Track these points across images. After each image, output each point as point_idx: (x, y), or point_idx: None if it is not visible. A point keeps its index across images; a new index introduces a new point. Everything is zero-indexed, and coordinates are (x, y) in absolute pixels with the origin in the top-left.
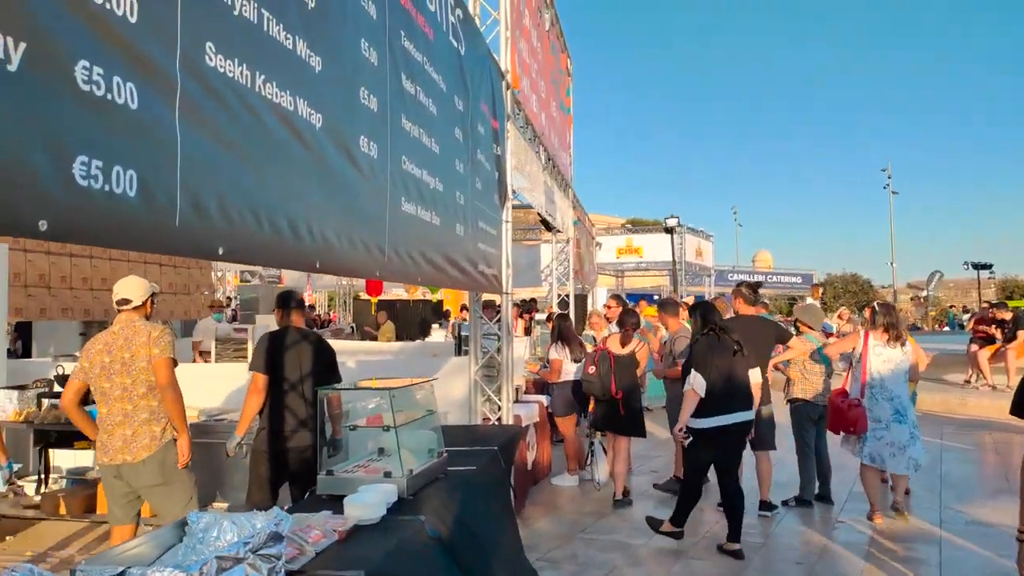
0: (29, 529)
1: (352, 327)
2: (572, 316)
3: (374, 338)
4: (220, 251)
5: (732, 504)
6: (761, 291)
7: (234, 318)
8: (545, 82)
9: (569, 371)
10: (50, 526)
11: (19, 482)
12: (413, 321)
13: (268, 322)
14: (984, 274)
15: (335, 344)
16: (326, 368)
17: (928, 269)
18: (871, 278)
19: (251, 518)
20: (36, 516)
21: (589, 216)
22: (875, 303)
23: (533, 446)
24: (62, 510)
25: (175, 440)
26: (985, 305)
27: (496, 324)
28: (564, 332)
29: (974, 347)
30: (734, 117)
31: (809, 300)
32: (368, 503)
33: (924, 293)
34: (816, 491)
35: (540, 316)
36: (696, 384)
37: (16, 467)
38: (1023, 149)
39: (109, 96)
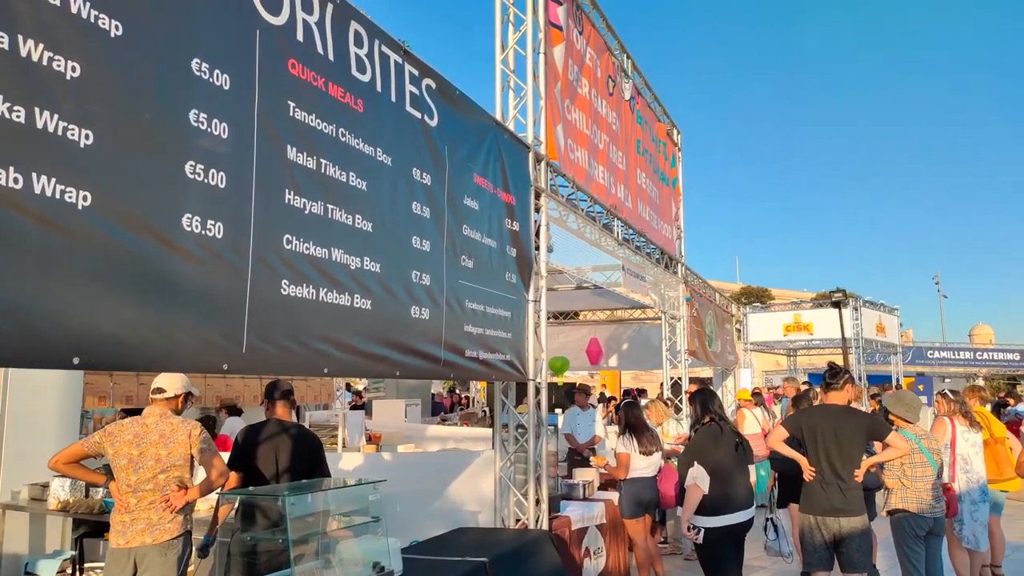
0: None
1: (484, 411)
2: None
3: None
4: None
5: None
6: (978, 370)
7: None
8: (625, 153)
9: (638, 467)
10: None
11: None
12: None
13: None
14: None
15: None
16: (307, 462)
17: None
18: None
19: None
20: None
21: (772, 291)
22: (944, 390)
23: (600, 552)
24: None
25: (190, 534)
26: None
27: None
28: (633, 422)
29: None
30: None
31: (947, 388)
32: None
33: None
34: None
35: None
36: (699, 478)
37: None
38: None
39: None
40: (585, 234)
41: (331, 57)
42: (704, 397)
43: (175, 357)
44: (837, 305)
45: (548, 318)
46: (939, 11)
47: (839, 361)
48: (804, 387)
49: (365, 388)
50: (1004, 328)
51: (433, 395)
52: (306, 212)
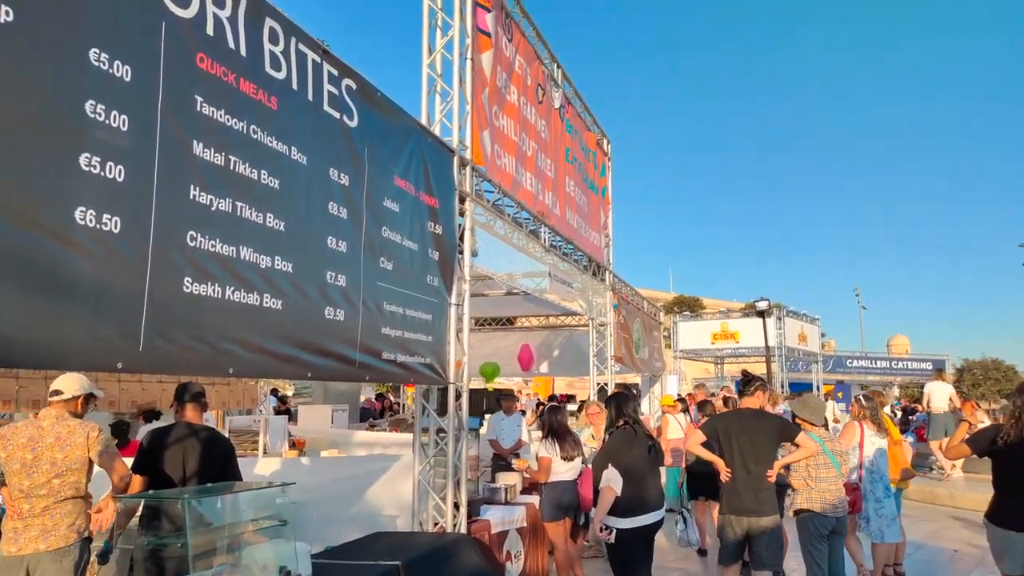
0: None
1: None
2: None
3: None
4: None
5: None
6: (894, 378)
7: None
8: (554, 161)
9: (559, 470)
10: None
11: None
12: (474, 409)
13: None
14: None
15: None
16: (216, 466)
17: None
18: (1015, 363)
19: None
20: None
21: (704, 301)
22: (859, 395)
23: (519, 555)
24: None
25: (89, 540)
26: None
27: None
28: (555, 427)
29: None
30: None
31: (862, 393)
32: None
33: None
34: None
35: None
36: (613, 480)
37: None
38: None
39: None
40: (512, 240)
41: (243, 53)
42: (619, 400)
43: (68, 355)
44: (762, 315)
45: (480, 324)
46: (866, 18)
47: (762, 369)
48: (724, 392)
49: (293, 394)
50: (920, 339)
51: (363, 401)
52: (213, 209)
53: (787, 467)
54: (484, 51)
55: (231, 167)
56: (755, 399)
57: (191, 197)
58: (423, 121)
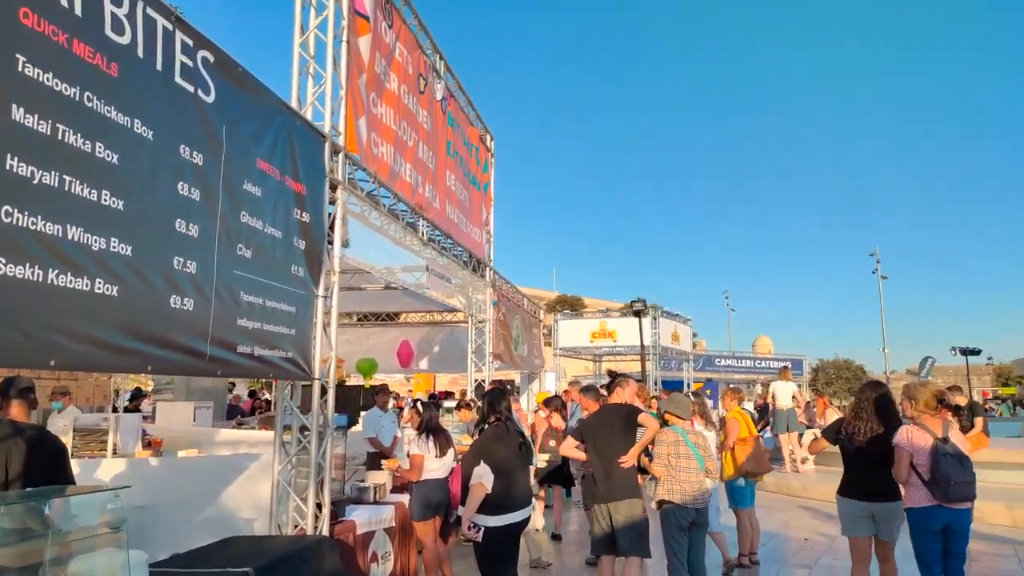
0: None
1: None
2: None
3: None
4: None
5: None
6: (757, 377)
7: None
8: (435, 153)
9: (431, 468)
10: None
11: None
12: (351, 407)
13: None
14: (980, 360)
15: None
16: (44, 468)
17: (924, 354)
18: (863, 364)
19: None
20: None
21: (586, 300)
22: (688, 392)
23: (387, 556)
24: None
25: None
26: (939, 392)
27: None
28: (430, 424)
29: None
30: (728, 197)
31: (780, 382)
32: None
33: (918, 379)
34: None
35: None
36: (484, 476)
37: None
38: (1010, 232)
39: None
40: (388, 232)
41: (79, 12)
42: (492, 397)
43: None
44: (638, 314)
45: (361, 319)
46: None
47: (637, 367)
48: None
49: (153, 390)
50: (782, 339)
51: (230, 398)
52: (35, 182)
53: (649, 456)
54: (362, 35)
55: (59, 137)
56: (616, 396)
57: (7, 167)
58: (293, 103)
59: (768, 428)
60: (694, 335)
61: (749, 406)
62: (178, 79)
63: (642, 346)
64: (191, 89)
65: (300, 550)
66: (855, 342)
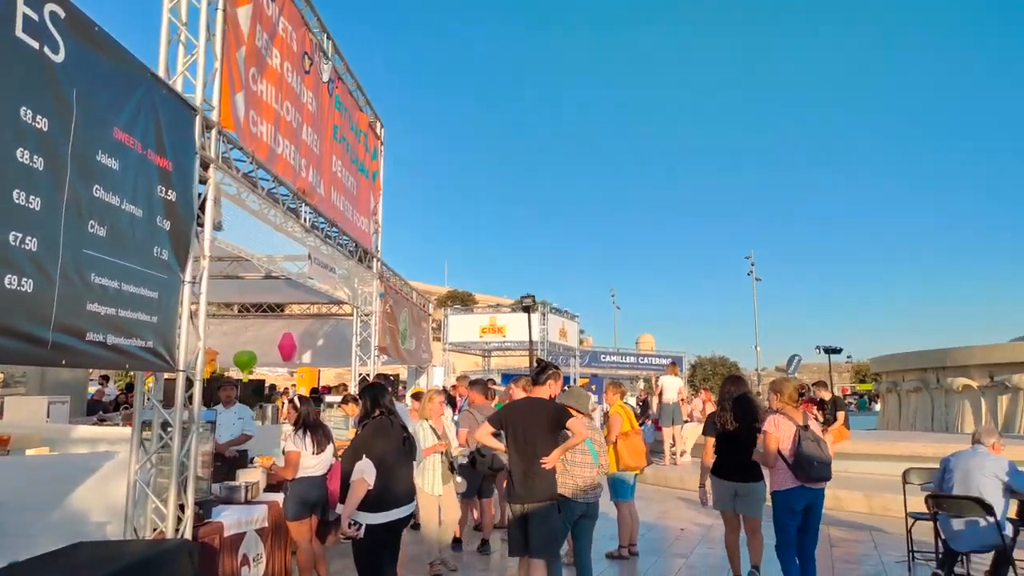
0: None
1: None
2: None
3: None
4: None
5: None
6: (639, 373)
7: None
8: (320, 137)
9: (308, 465)
10: None
11: None
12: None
13: None
14: (841, 358)
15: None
16: None
17: (792, 352)
18: (738, 361)
19: None
20: None
21: (477, 296)
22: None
23: (259, 558)
24: None
25: None
26: (804, 387)
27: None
28: (307, 420)
29: None
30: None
31: (667, 377)
32: None
33: (784, 375)
34: None
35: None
36: (366, 472)
37: None
38: (868, 236)
39: None
40: (268, 217)
41: None
42: (375, 391)
43: None
44: (527, 310)
45: (240, 310)
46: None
47: (526, 362)
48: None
49: (3, 383)
50: (665, 337)
51: (93, 392)
52: None
53: None
54: (241, 5)
55: None
56: (545, 388)
57: None
58: (161, 72)
59: (649, 421)
60: (581, 332)
61: (632, 401)
62: (19, 33)
63: (531, 341)
64: (35, 46)
65: (156, 555)
66: (731, 340)
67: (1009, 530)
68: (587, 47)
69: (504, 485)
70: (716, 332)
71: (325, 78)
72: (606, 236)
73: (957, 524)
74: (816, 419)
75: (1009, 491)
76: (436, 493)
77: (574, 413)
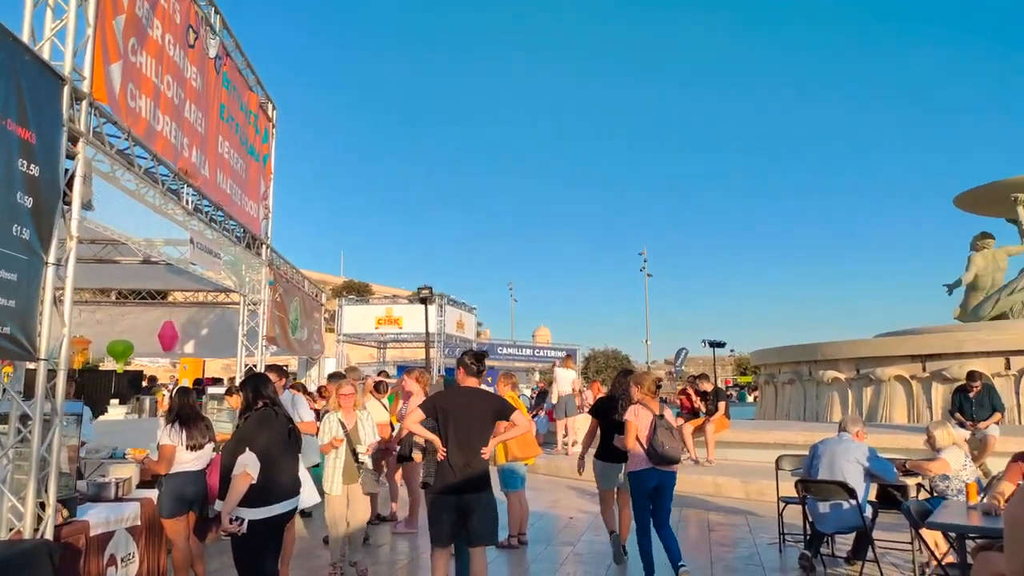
0: None
1: None
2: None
3: None
4: None
5: None
6: (535, 365)
7: None
8: (206, 116)
9: (184, 460)
10: None
11: None
12: (100, 394)
13: None
14: (724, 351)
15: None
16: None
17: (680, 346)
18: (630, 354)
19: None
20: None
21: (374, 286)
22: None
23: (131, 558)
24: None
25: None
26: (689, 378)
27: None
28: (182, 412)
29: (679, 420)
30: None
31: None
32: None
33: (673, 369)
34: None
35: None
36: (250, 465)
37: None
38: (748, 234)
39: None
40: (147, 198)
41: None
42: (257, 382)
43: None
44: (424, 302)
45: (119, 296)
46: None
47: (422, 354)
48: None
49: None
50: (560, 330)
51: None
52: None
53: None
54: None
55: None
56: (479, 379)
57: None
58: (25, 37)
59: (543, 413)
60: (479, 324)
61: (528, 392)
62: None
63: (427, 333)
64: None
65: (11, 557)
66: (624, 334)
67: (869, 512)
68: (488, 34)
69: (397, 477)
70: (610, 326)
71: (212, 54)
72: (506, 230)
73: (823, 507)
74: (701, 409)
75: (870, 475)
76: (334, 493)
77: None
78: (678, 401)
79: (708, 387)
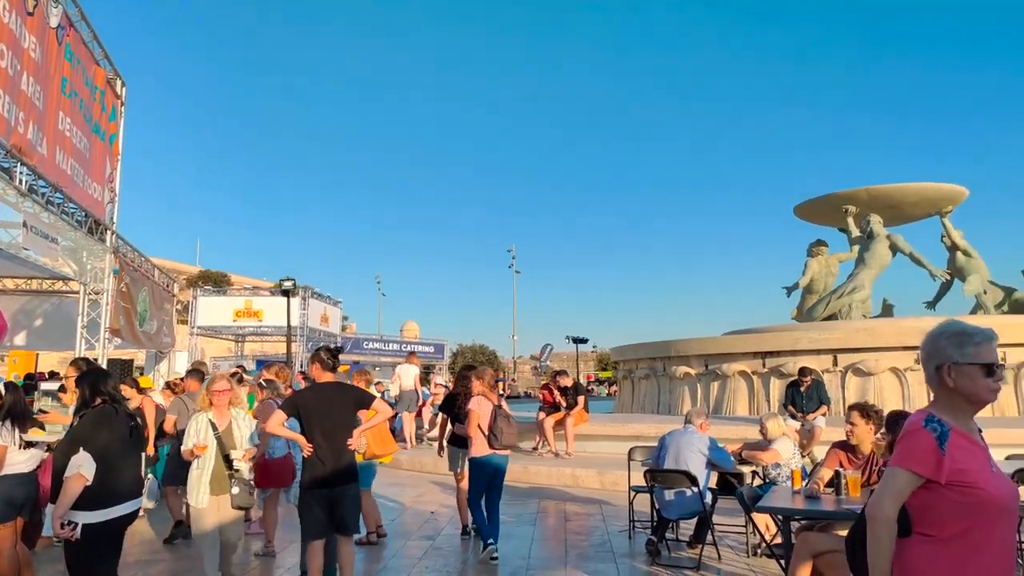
0: None
1: None
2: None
3: None
4: None
5: None
6: (402, 360)
7: None
8: (45, 90)
9: (15, 461)
10: None
11: None
12: None
13: None
14: (588, 348)
15: None
16: None
17: (545, 342)
18: (496, 349)
19: None
20: None
21: (233, 277)
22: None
23: None
24: None
25: None
26: (551, 373)
27: None
28: (14, 409)
29: (541, 414)
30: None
31: (405, 365)
32: None
33: (539, 364)
34: None
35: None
36: (84, 466)
37: None
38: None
39: None
40: None
41: None
42: (95, 377)
43: None
44: (286, 293)
45: None
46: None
47: (283, 348)
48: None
49: None
50: (429, 325)
51: None
52: None
53: None
54: None
55: None
56: (336, 374)
57: None
58: None
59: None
60: (345, 318)
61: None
62: None
63: (288, 327)
64: None
65: None
66: (492, 329)
67: (709, 498)
68: (359, 19)
69: None
70: (478, 322)
71: (53, 23)
72: (375, 224)
73: (668, 495)
74: (561, 404)
75: (710, 464)
76: (200, 505)
77: None
78: (540, 396)
79: (568, 382)
